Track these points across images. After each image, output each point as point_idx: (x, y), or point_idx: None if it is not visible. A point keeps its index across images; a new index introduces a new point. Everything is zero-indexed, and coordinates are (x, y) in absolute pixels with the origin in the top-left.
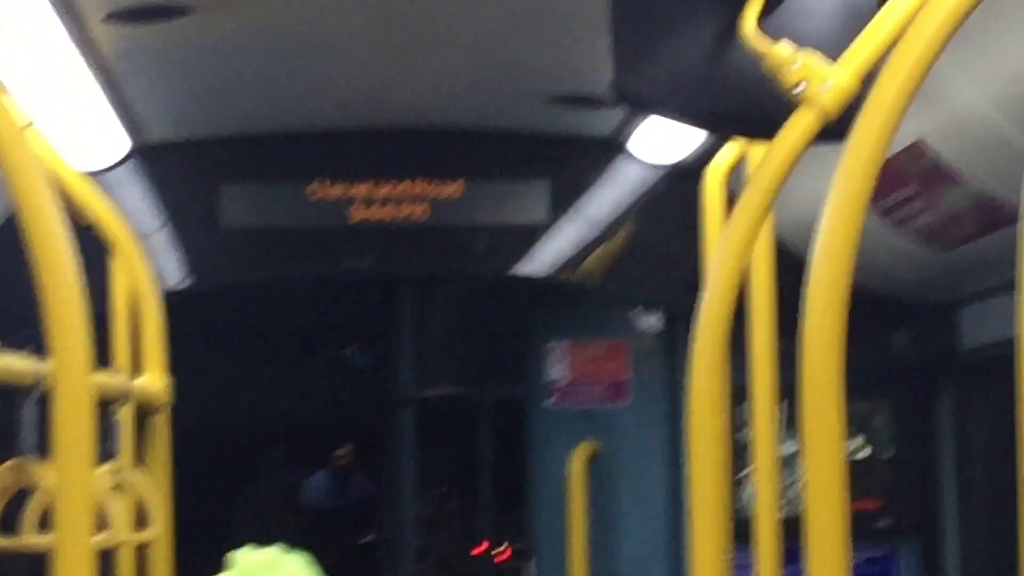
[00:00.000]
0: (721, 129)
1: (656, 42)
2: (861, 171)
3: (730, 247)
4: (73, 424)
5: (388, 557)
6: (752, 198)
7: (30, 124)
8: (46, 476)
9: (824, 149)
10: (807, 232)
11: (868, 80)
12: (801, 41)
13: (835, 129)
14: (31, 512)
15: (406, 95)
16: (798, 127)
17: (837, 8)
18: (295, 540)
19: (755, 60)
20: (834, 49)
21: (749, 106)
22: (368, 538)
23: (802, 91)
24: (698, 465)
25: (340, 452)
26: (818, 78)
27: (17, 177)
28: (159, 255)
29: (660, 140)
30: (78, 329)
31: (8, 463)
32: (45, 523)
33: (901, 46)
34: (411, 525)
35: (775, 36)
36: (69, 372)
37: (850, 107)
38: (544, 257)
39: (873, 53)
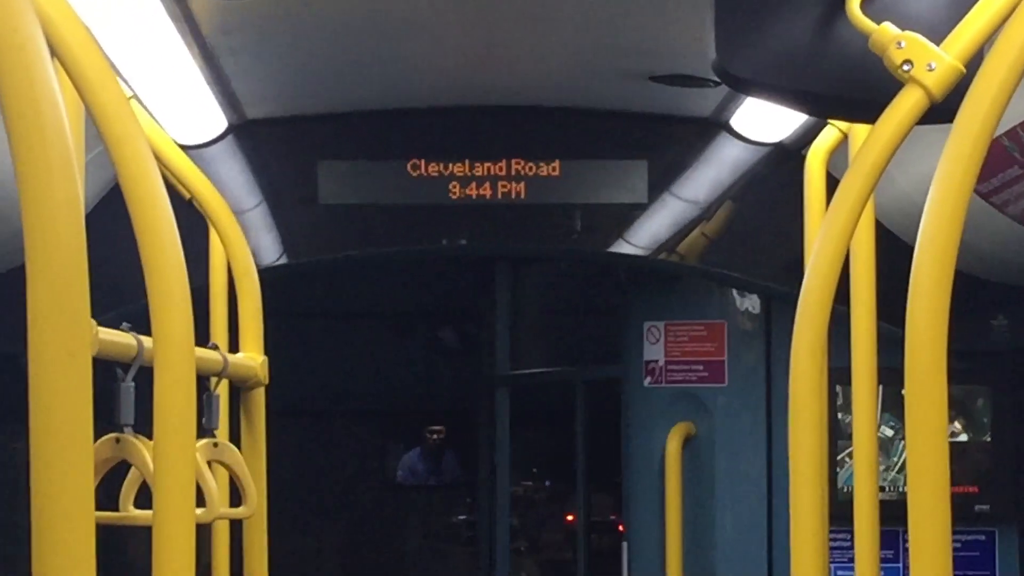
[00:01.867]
0: (824, 111)
1: (759, 21)
2: (967, 153)
3: (832, 229)
4: (174, 399)
5: (482, 536)
6: (855, 180)
7: (132, 97)
8: (145, 451)
9: (927, 131)
10: (909, 213)
11: (974, 61)
12: (906, 22)
13: (940, 110)
14: (128, 487)
15: (504, 74)
16: (902, 108)
17: None
18: (388, 518)
19: (858, 40)
20: (940, 30)
21: (852, 87)
22: (462, 517)
23: (907, 72)
24: (797, 446)
25: (433, 430)
26: (923, 58)
27: (120, 149)
28: (257, 232)
29: (761, 120)
30: (180, 303)
31: (107, 437)
32: (141, 498)
33: (1009, 27)
34: (505, 505)
35: (880, 17)
36: (170, 347)
37: (955, 88)
38: (642, 237)
39: (979, 34)
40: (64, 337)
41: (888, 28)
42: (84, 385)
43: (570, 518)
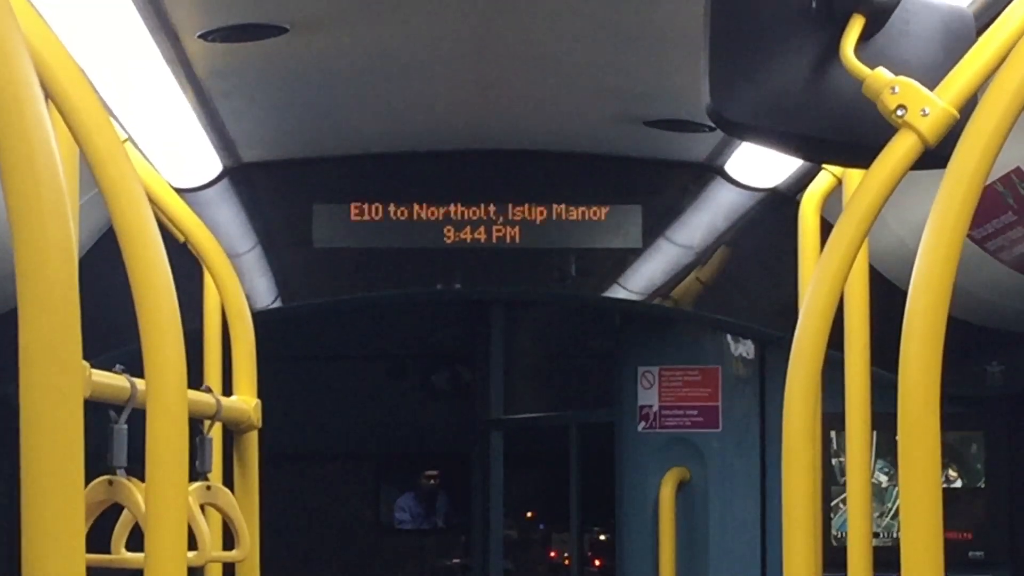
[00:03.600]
0: (817, 155)
1: (753, 66)
2: (960, 198)
3: (826, 274)
4: (166, 441)
5: None
6: (848, 224)
7: (127, 140)
8: (137, 493)
9: (920, 176)
10: (903, 258)
11: (968, 107)
12: (900, 67)
13: (934, 155)
14: (120, 529)
15: (499, 118)
16: (896, 153)
17: (937, 34)
18: (382, 562)
19: (852, 85)
20: (934, 75)
21: (846, 132)
22: (455, 561)
23: (901, 117)
24: (791, 492)
25: (428, 474)
26: (917, 104)
27: (114, 192)
28: (251, 275)
29: (755, 165)
30: (173, 346)
31: (100, 479)
32: (132, 540)
33: (1002, 72)
34: (498, 549)
35: (873, 62)
36: (163, 389)
37: (949, 134)
38: (636, 281)
39: (973, 79)
40: (56, 379)
41: (882, 73)
42: (76, 427)
43: (567, 563)
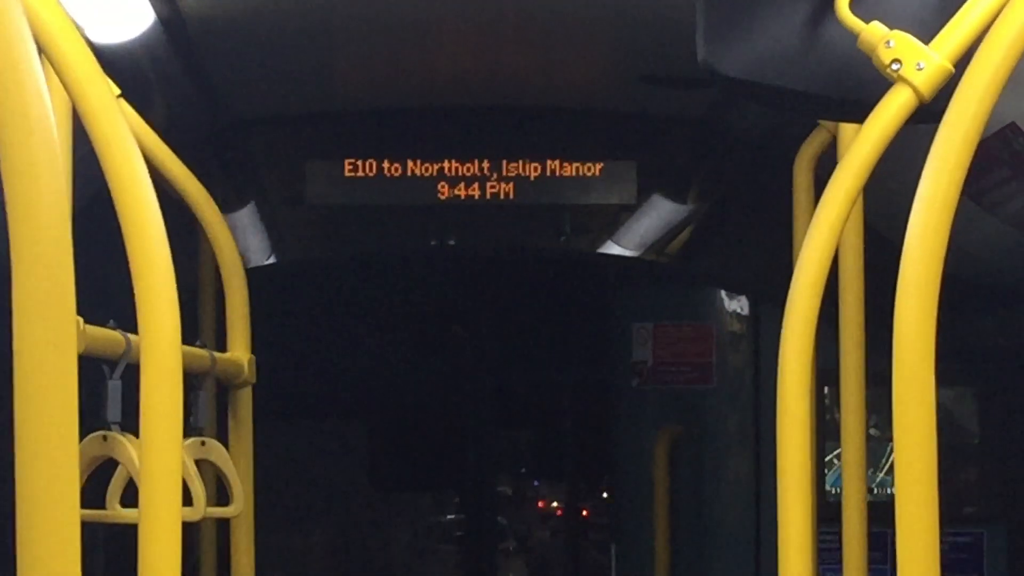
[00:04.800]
0: (812, 111)
1: (746, 21)
2: (955, 153)
3: (820, 230)
4: (160, 397)
5: (471, 538)
6: (843, 180)
7: (120, 96)
8: (132, 449)
9: (916, 131)
10: (897, 215)
11: (962, 61)
12: (896, 20)
13: (929, 110)
14: (115, 485)
15: (494, 74)
16: (891, 108)
17: None
18: (377, 518)
19: (847, 40)
20: (928, 30)
21: (840, 87)
22: (450, 518)
23: (896, 71)
24: (785, 448)
25: (421, 432)
26: (912, 58)
27: (108, 148)
28: (245, 232)
29: (750, 121)
30: (167, 302)
31: (94, 435)
32: (127, 496)
33: (996, 27)
34: (493, 505)
35: (869, 15)
36: (157, 345)
37: (944, 88)
38: (631, 238)
39: (968, 34)
40: (50, 332)
41: (877, 27)
42: (70, 381)
43: (558, 513)
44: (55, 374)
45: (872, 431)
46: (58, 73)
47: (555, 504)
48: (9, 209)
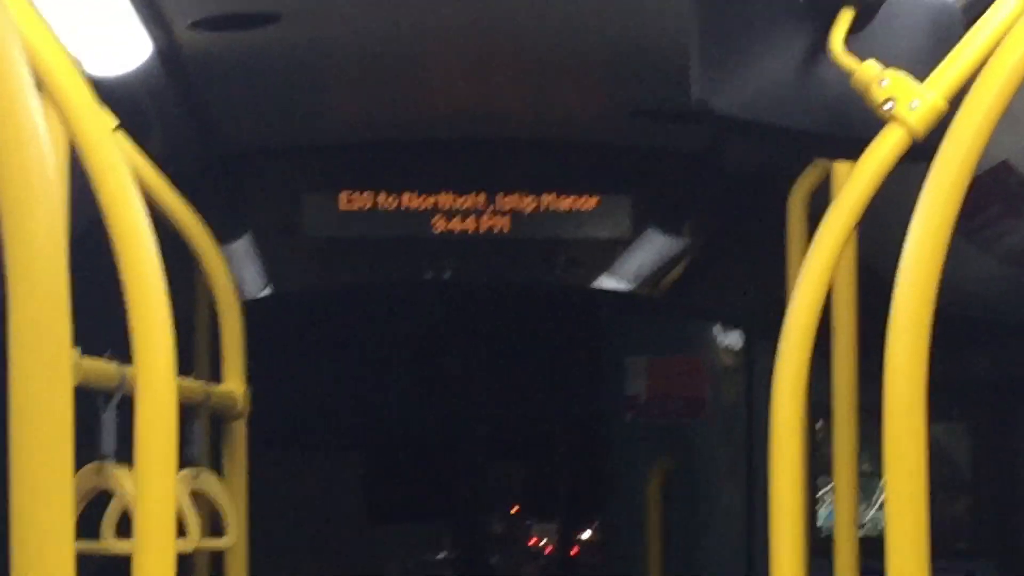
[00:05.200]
0: (806, 148)
1: (741, 58)
2: (948, 190)
3: (814, 266)
4: (155, 428)
5: (462, 572)
6: (837, 216)
7: (117, 127)
8: (126, 480)
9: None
10: (890, 251)
11: (956, 100)
12: (889, 60)
13: (923, 148)
14: (109, 516)
15: (489, 108)
16: (885, 145)
17: (925, 28)
18: (371, 552)
19: (840, 79)
20: (922, 69)
21: (834, 125)
22: (442, 554)
23: (889, 109)
24: (777, 482)
25: (415, 465)
26: (906, 97)
27: (105, 180)
28: (241, 264)
29: (744, 156)
30: (162, 334)
31: (89, 466)
32: (122, 527)
33: (989, 66)
34: (484, 540)
35: (863, 54)
36: (152, 376)
37: (937, 127)
38: (625, 272)
39: (961, 73)
40: (46, 364)
41: (871, 66)
42: (65, 413)
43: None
44: (51, 406)
45: (864, 467)
46: (55, 105)
47: (541, 535)
48: (6, 240)
